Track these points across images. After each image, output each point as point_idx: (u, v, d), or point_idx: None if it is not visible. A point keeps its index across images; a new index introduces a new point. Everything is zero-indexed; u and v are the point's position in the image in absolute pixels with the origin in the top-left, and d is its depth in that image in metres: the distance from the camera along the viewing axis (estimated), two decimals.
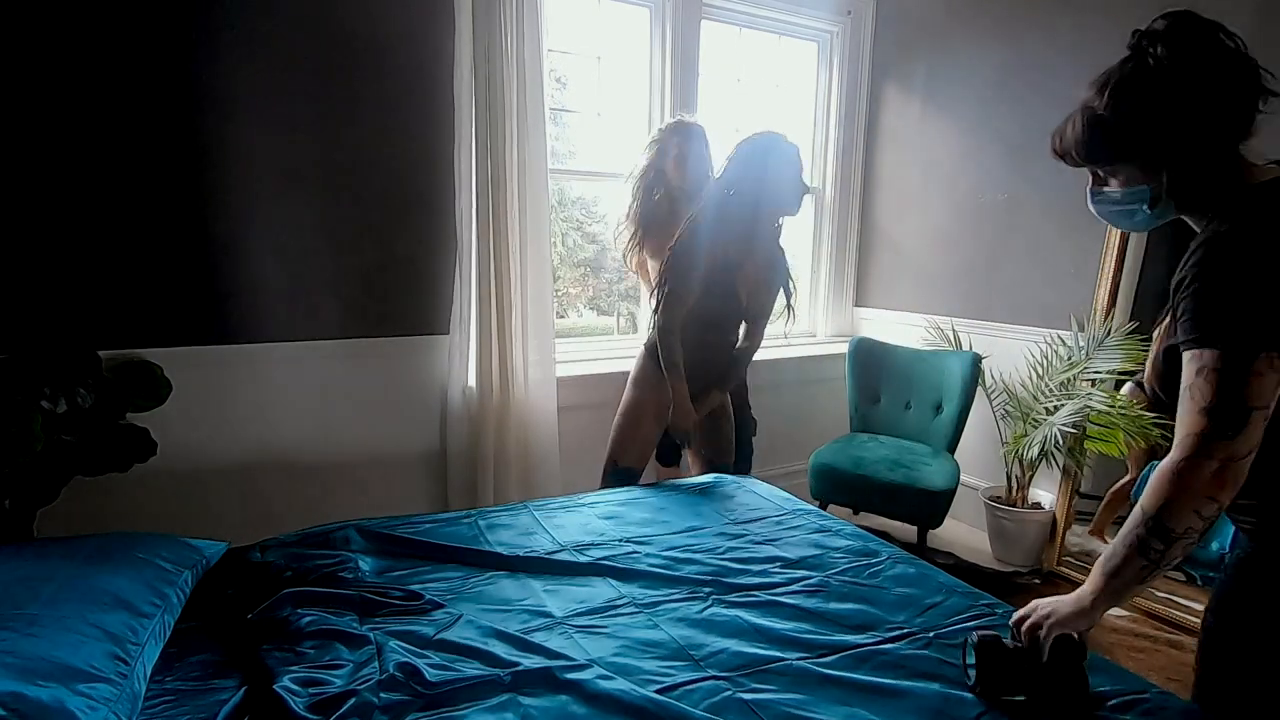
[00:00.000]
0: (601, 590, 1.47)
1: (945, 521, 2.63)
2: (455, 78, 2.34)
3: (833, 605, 1.42)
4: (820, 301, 3.63)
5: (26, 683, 0.93)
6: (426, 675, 1.12)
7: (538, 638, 1.27)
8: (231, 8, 2.05)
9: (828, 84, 3.43)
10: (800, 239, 3.55)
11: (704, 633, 1.31)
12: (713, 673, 1.19)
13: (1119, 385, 2.55)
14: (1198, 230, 0.99)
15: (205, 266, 2.13)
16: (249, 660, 1.18)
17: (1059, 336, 2.70)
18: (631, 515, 1.85)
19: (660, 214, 2.54)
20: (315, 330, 2.31)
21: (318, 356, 2.31)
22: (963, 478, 2.74)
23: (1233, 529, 1.10)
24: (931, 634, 1.32)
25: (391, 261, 2.40)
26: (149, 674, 1.12)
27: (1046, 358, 2.71)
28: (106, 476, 1.90)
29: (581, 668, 1.17)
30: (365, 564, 1.52)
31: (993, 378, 2.87)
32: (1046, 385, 2.66)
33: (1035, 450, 2.55)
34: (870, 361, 3.12)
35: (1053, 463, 2.63)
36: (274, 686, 1.08)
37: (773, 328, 2.39)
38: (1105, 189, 1.07)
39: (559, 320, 2.93)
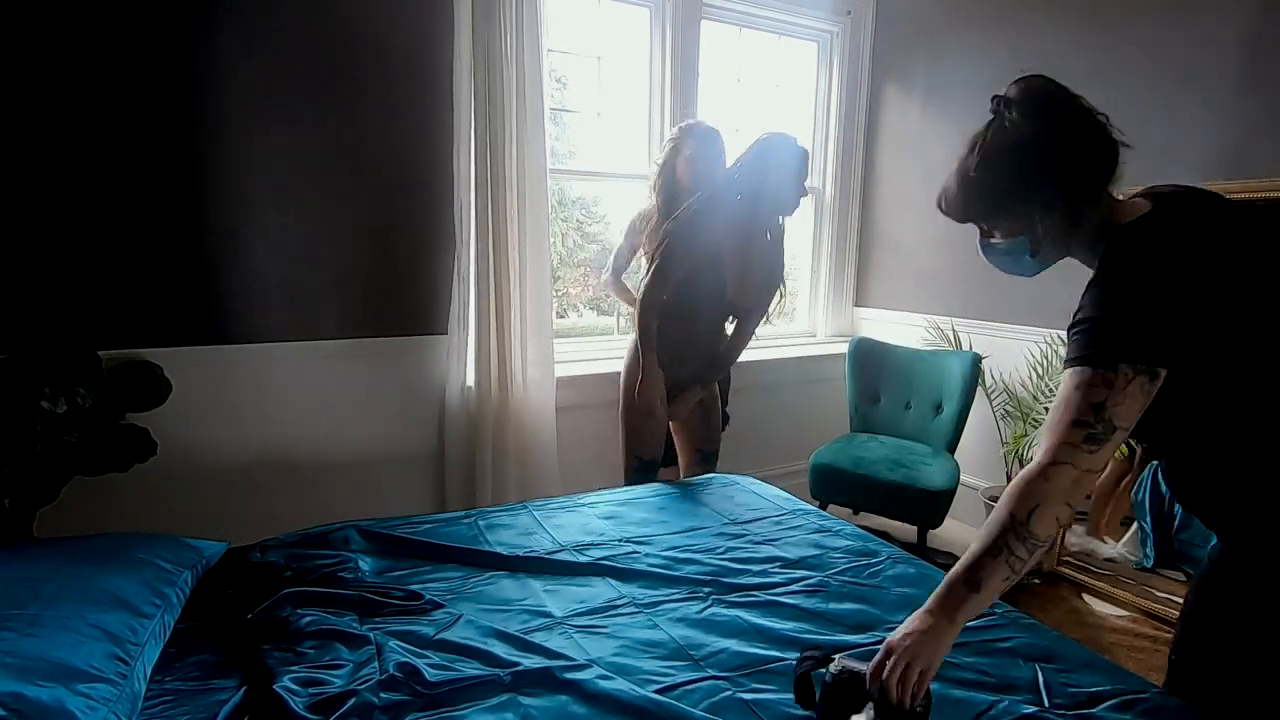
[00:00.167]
0: (601, 590, 1.47)
1: (945, 521, 2.63)
2: (455, 77, 2.33)
3: (832, 605, 1.42)
4: (820, 301, 3.63)
5: (26, 683, 0.93)
6: (426, 675, 1.12)
7: (538, 638, 1.27)
8: (232, 7, 2.05)
9: (827, 84, 3.43)
10: (800, 239, 3.55)
11: (704, 633, 1.32)
12: (712, 673, 1.19)
13: None
14: (1091, 271, 1.04)
15: (205, 266, 2.13)
16: (249, 660, 1.18)
17: (1059, 336, 2.69)
18: (631, 515, 1.85)
19: (667, 212, 2.53)
20: (315, 330, 2.31)
21: (317, 356, 2.31)
22: (963, 478, 2.74)
23: None
24: None
25: (391, 261, 2.40)
26: (149, 674, 1.12)
27: (1046, 358, 2.71)
28: (106, 476, 1.90)
29: (581, 668, 1.17)
30: (365, 564, 1.53)
31: (993, 378, 2.87)
32: (1046, 385, 2.66)
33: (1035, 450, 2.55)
34: (870, 361, 3.13)
35: None
36: (274, 686, 1.08)
37: (763, 326, 2.39)
38: (992, 240, 1.13)
39: (559, 320, 2.93)
